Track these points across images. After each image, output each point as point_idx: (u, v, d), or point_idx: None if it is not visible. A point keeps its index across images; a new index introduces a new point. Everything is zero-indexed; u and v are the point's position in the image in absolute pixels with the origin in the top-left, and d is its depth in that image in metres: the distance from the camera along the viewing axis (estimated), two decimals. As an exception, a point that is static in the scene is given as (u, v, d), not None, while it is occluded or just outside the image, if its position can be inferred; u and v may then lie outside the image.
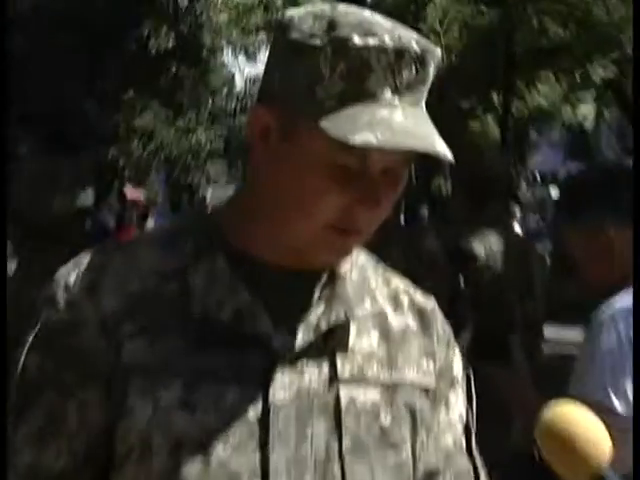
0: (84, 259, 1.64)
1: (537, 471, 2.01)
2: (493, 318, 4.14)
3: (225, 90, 33.00)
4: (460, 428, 1.74)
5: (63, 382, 1.59)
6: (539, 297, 4.51)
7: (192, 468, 1.54)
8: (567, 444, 1.63)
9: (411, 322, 1.72)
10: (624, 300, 2.90)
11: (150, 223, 24.01)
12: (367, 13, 1.57)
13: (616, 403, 2.76)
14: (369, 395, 1.63)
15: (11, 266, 3.67)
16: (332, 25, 1.53)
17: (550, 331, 4.05)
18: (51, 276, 1.65)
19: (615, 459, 1.63)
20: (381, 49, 1.52)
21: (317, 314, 1.62)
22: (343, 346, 1.63)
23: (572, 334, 3.51)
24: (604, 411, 2.03)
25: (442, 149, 1.51)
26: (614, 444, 1.65)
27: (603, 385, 2.78)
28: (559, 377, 2.93)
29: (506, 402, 3.43)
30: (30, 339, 1.64)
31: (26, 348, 1.64)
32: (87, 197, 3.90)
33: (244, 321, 1.58)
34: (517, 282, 4.44)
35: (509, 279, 4.36)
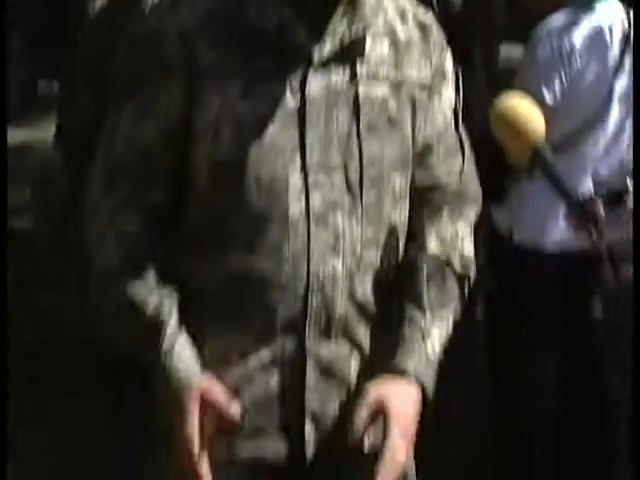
0: None
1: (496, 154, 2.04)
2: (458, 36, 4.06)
3: None
4: (450, 114, 1.72)
5: (151, 79, 1.59)
6: (498, 28, 4.43)
7: (251, 146, 1.57)
8: (514, 127, 1.69)
9: (414, 33, 1.68)
10: (558, 20, 2.92)
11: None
12: None
13: (547, 96, 2.85)
14: (380, 91, 1.63)
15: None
16: None
17: (503, 50, 4.01)
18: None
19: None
20: None
21: (341, 29, 1.60)
22: (361, 54, 1.62)
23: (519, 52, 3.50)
24: (538, 102, 2.08)
25: None
26: (545, 128, 1.70)
27: (538, 83, 2.86)
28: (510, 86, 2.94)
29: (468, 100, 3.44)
30: (124, 44, 1.64)
31: (121, 51, 1.65)
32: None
33: (286, 33, 1.57)
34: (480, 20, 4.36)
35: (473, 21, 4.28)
